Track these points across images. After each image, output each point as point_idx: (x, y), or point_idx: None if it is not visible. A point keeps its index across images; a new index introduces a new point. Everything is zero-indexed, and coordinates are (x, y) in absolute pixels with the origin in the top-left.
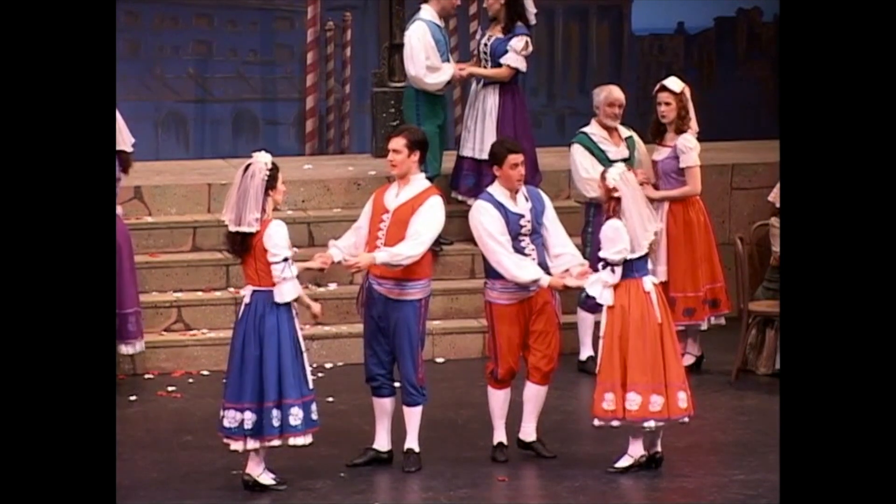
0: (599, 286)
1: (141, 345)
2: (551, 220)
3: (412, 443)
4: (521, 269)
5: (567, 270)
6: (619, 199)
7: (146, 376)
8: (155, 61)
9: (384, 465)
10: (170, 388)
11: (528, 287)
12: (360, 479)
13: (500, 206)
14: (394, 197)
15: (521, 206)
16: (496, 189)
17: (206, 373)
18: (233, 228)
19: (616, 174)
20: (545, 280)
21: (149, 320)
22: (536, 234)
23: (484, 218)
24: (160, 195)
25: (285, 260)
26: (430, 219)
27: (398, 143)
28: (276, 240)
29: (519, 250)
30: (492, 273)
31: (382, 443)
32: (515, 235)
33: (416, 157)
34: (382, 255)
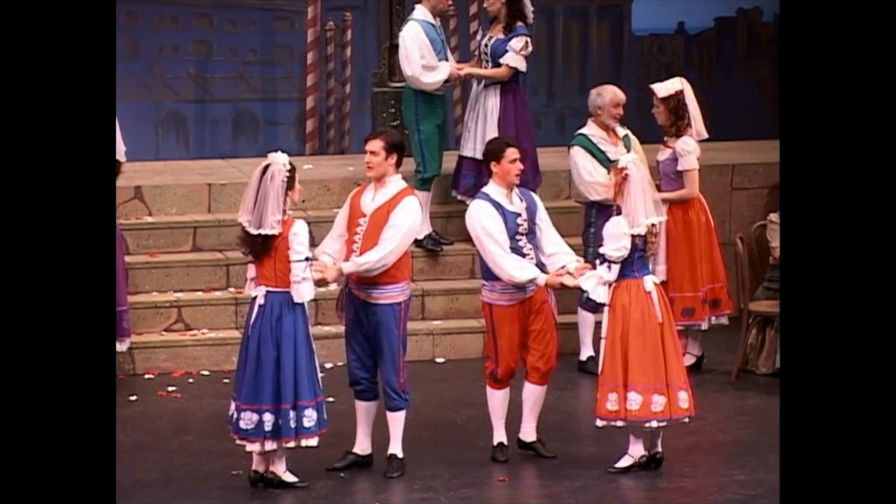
0: (594, 281)
1: (129, 341)
2: (544, 221)
3: (395, 448)
4: (519, 268)
5: (563, 267)
6: (627, 177)
7: (146, 376)
8: (155, 61)
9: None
10: (170, 388)
11: (526, 287)
12: (359, 480)
13: (497, 206)
14: (370, 200)
15: (517, 205)
16: (492, 188)
17: (206, 373)
18: (254, 231)
19: (629, 158)
20: (542, 279)
21: (149, 320)
22: (532, 233)
23: (482, 217)
24: (160, 195)
25: (307, 259)
26: (403, 222)
27: (376, 145)
28: (303, 238)
29: (517, 250)
30: (490, 275)
31: (363, 446)
32: (513, 235)
33: (393, 159)
34: (349, 265)
